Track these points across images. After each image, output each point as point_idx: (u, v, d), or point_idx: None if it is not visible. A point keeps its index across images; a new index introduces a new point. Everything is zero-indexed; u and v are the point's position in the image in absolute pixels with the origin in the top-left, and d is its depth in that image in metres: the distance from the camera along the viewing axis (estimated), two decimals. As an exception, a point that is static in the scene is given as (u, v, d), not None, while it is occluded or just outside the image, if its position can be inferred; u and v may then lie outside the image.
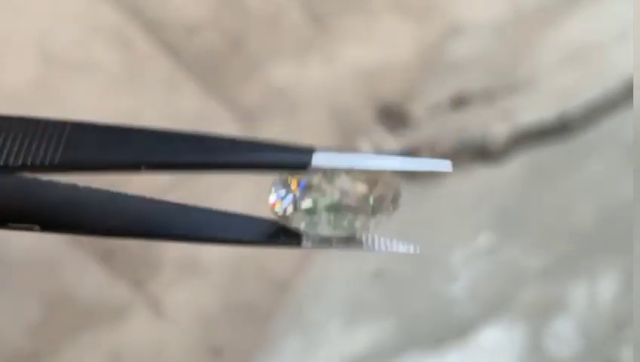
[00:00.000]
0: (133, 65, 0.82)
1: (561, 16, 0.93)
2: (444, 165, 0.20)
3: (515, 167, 0.77)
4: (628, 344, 0.53)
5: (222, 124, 0.85)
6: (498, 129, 0.81)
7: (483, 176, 0.78)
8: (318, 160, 0.19)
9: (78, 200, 0.21)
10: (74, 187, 0.21)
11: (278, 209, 0.21)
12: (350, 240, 0.21)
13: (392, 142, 0.86)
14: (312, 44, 0.94)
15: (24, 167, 0.18)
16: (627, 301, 0.55)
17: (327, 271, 0.75)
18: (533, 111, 0.81)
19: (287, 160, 0.19)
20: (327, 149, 0.20)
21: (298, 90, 0.91)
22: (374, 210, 0.21)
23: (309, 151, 0.19)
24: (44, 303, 0.67)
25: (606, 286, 0.56)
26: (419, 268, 0.68)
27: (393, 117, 0.91)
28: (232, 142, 0.19)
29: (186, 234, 0.21)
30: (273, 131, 0.87)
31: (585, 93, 0.79)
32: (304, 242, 0.20)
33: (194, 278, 0.73)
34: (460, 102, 0.90)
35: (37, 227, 0.19)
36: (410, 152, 0.83)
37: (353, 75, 0.94)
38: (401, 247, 0.21)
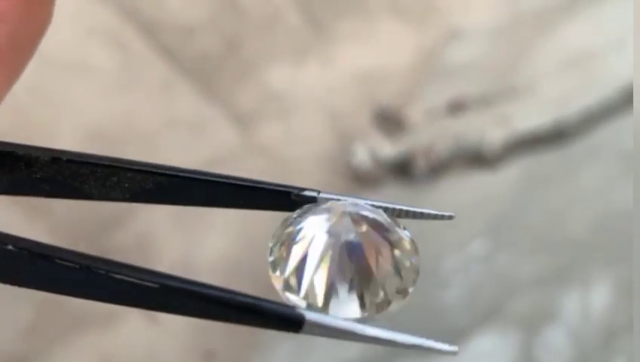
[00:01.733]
0: (129, 67, 0.82)
1: (559, 23, 0.92)
2: (449, 348, 0.18)
3: (511, 173, 0.77)
4: (619, 353, 0.53)
5: (218, 127, 0.85)
6: (494, 135, 0.81)
7: (478, 182, 0.78)
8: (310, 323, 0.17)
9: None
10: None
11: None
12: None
13: (388, 146, 0.86)
14: (310, 47, 0.94)
15: None
16: (619, 311, 0.55)
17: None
18: (530, 117, 0.81)
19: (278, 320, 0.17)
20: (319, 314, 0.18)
21: (295, 94, 0.91)
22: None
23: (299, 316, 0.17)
24: (36, 306, 0.67)
25: (598, 296, 0.56)
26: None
27: (390, 121, 0.91)
28: (216, 296, 0.17)
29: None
30: (269, 134, 0.87)
31: (581, 100, 0.79)
32: None
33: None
34: (457, 108, 0.89)
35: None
36: (407, 160, 0.83)
37: (351, 78, 0.94)
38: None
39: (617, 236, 0.61)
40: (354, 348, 0.65)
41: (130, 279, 0.16)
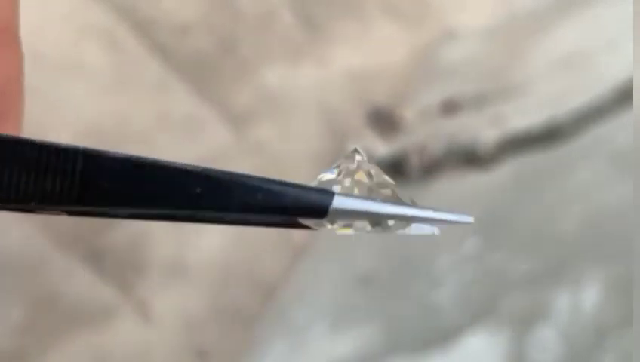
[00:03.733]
0: (123, 66, 0.82)
1: (553, 23, 0.93)
2: (466, 218, 0.19)
3: (504, 173, 0.77)
4: (611, 352, 0.53)
5: (212, 127, 0.85)
6: (488, 135, 0.81)
7: (471, 181, 0.78)
8: (338, 203, 0.19)
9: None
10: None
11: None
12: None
13: (381, 146, 0.87)
14: (304, 47, 0.94)
15: (39, 202, 0.18)
16: (611, 309, 0.55)
17: (313, 275, 0.75)
18: (523, 117, 0.82)
19: (306, 203, 0.19)
20: (348, 195, 0.19)
21: (289, 93, 0.91)
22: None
23: (329, 194, 0.19)
24: (30, 305, 0.67)
25: (590, 295, 0.56)
26: (405, 273, 0.68)
27: (384, 121, 0.91)
28: (245, 182, 0.19)
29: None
30: (264, 134, 0.87)
31: (574, 100, 0.79)
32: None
33: (181, 281, 0.73)
34: (450, 108, 0.90)
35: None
36: (401, 159, 0.83)
37: (345, 78, 0.94)
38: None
39: (609, 235, 0.61)
40: (347, 347, 0.66)
41: (170, 166, 0.18)
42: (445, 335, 0.61)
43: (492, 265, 0.65)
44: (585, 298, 0.56)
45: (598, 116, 0.78)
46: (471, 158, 0.81)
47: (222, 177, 0.19)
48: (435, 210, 0.19)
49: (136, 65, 0.83)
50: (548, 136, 0.78)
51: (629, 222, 0.56)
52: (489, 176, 0.78)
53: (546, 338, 0.56)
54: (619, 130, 0.74)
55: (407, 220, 0.19)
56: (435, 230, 0.20)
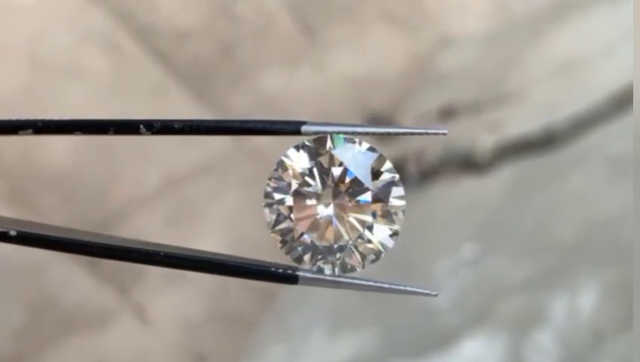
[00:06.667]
0: (122, 71, 0.83)
1: (550, 30, 0.93)
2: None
3: (501, 178, 0.77)
4: (608, 355, 0.54)
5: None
6: (485, 140, 0.82)
7: (468, 187, 0.79)
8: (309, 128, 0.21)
9: None
10: None
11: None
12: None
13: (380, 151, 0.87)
14: (302, 53, 0.95)
15: None
16: (607, 313, 0.56)
17: (312, 280, 0.75)
18: (520, 123, 0.82)
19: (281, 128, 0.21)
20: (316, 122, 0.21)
21: (287, 99, 0.91)
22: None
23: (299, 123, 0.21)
24: (28, 308, 0.67)
25: (586, 299, 0.57)
26: (403, 278, 0.68)
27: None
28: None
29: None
30: (262, 140, 0.88)
31: (571, 106, 0.80)
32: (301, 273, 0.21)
33: (179, 286, 0.74)
34: (447, 113, 0.90)
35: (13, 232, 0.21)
36: (398, 165, 0.83)
37: (342, 84, 0.95)
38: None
39: (605, 240, 0.62)
40: (345, 351, 0.66)
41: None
42: (443, 339, 0.61)
43: (489, 269, 0.65)
44: (582, 302, 0.57)
45: (595, 122, 0.78)
46: (468, 164, 0.81)
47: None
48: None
49: (135, 70, 0.84)
50: (545, 141, 0.79)
51: (625, 226, 0.57)
52: (486, 181, 0.79)
53: (544, 342, 0.56)
54: (615, 136, 0.74)
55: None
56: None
